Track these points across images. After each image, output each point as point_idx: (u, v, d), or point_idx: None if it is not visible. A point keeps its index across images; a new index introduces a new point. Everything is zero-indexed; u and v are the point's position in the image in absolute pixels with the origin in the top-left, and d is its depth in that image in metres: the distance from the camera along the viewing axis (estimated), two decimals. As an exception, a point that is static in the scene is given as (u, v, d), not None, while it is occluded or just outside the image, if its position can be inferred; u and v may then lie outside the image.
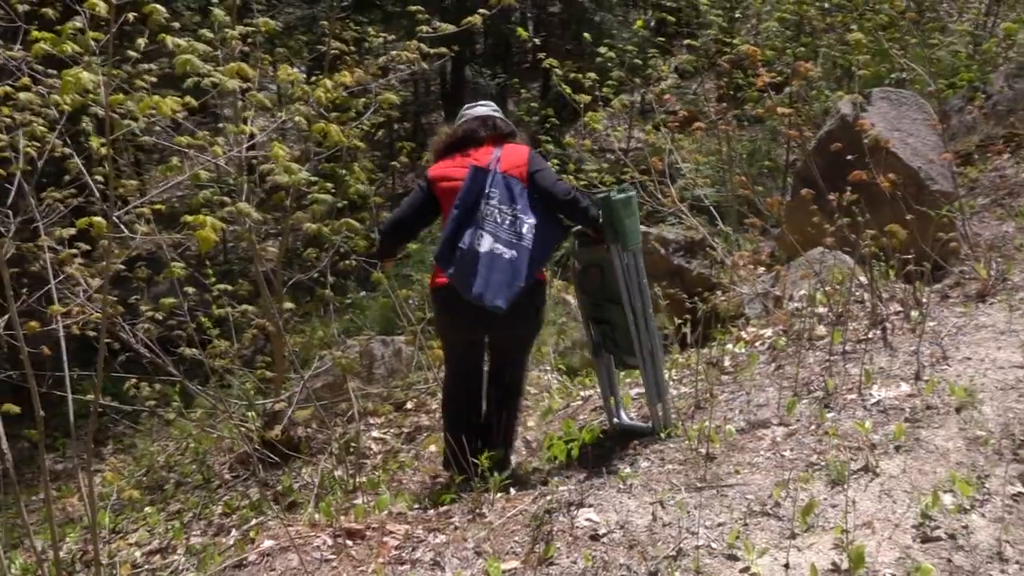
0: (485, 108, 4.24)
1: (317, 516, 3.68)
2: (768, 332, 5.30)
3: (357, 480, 5.07)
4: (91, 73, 3.51)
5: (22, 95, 3.81)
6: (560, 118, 11.93)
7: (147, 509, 6.02)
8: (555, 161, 9.09)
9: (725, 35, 11.36)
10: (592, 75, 8.74)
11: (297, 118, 4.77)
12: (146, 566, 5.13)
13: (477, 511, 3.46)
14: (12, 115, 4.50)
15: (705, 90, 11.53)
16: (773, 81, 7.06)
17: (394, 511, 3.70)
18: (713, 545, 2.97)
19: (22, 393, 4.19)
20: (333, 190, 6.06)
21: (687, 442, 3.77)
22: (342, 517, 3.81)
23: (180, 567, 4.71)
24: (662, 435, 3.93)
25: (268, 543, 3.35)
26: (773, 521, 3.06)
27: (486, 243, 3.77)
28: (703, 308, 5.50)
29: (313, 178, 5.85)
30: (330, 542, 3.30)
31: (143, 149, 9.23)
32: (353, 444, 5.83)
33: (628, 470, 3.62)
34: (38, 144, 4.78)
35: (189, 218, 3.49)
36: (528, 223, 3.85)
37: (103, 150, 4.43)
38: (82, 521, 6.08)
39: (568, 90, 8.23)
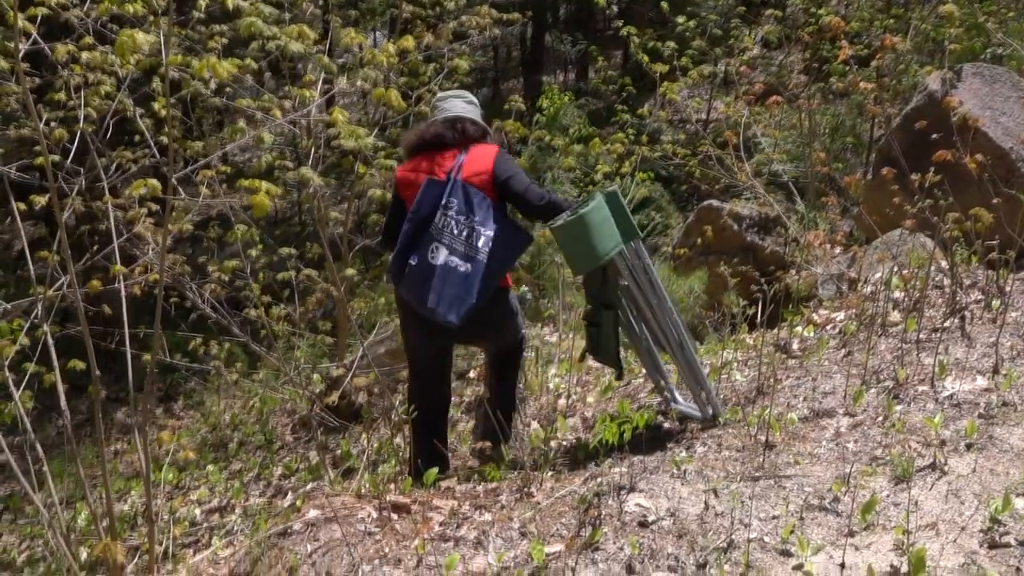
0: (458, 102, 4.05)
1: (365, 487, 3.65)
2: (840, 316, 5.12)
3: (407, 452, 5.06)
4: (155, 34, 3.51)
5: (85, 54, 3.81)
6: (638, 88, 11.71)
7: (209, 467, 6.10)
8: (630, 131, 8.91)
9: (812, 5, 10.99)
10: (672, 44, 8.54)
11: (361, 83, 4.72)
12: (205, 524, 5.19)
13: (525, 490, 3.39)
14: (85, 74, 4.53)
15: (789, 62, 11.17)
16: (859, 54, 6.80)
17: (442, 485, 3.65)
18: (766, 539, 2.85)
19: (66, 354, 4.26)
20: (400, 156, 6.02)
21: (746, 428, 3.64)
22: (391, 486, 3.79)
23: (235, 528, 4.75)
24: (720, 420, 3.80)
25: (313, 513, 3.32)
26: (831, 517, 2.93)
27: (441, 255, 3.71)
28: (774, 287, 5.32)
29: (380, 143, 5.81)
30: (375, 515, 3.27)
31: (219, 111, 9.27)
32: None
33: (683, 455, 3.51)
34: (108, 103, 4.81)
35: (245, 182, 3.47)
36: (485, 235, 3.75)
37: (164, 111, 4.44)
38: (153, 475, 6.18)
39: (646, 59, 8.06)
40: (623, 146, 7.69)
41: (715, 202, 7.18)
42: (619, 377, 4.33)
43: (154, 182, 3.33)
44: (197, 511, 5.40)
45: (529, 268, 7.72)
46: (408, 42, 4.53)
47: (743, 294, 5.88)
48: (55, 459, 5.64)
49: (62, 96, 4.13)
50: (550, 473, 3.56)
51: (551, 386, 5.53)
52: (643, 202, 9.28)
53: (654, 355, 3.99)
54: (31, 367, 4.24)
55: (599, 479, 3.35)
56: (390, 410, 5.77)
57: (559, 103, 10.15)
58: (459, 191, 3.77)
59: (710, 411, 3.85)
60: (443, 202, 3.75)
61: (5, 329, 4.24)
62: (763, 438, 3.48)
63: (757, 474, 3.25)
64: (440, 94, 4.16)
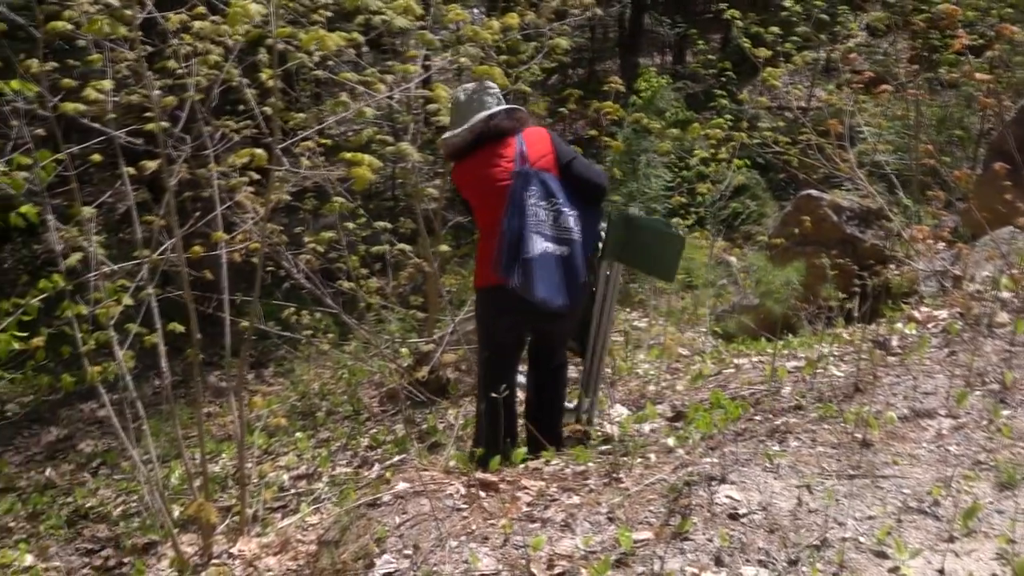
0: (492, 96, 3.97)
1: (452, 463, 3.67)
2: (943, 314, 4.95)
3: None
4: (260, 4, 3.55)
5: (196, 23, 3.88)
6: (738, 72, 11.51)
7: (298, 435, 6.21)
8: (728, 117, 8.76)
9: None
10: (775, 29, 8.35)
11: (463, 59, 4.72)
12: (292, 490, 5.30)
13: (614, 475, 3.36)
14: (194, 44, 4.61)
15: (896, 50, 10.84)
16: (973, 44, 6.55)
17: (531, 465, 3.65)
18: (861, 539, 2.78)
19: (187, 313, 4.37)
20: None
21: (842, 425, 3.55)
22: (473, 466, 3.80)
23: (322, 495, 4.84)
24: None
25: (402, 485, 3.35)
26: (930, 521, 2.84)
27: (538, 246, 3.72)
28: (874, 281, 5.20)
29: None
30: (463, 491, 3.28)
31: (318, 83, 9.39)
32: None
33: (776, 448, 3.44)
34: (215, 72, 4.89)
35: (347, 155, 3.51)
36: (572, 215, 3.80)
37: (271, 82, 4.50)
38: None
39: (748, 43, 7.90)
40: (721, 132, 7.56)
41: (814, 192, 7.02)
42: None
43: (259, 151, 3.38)
44: (285, 477, 5.51)
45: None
46: (512, 19, 4.51)
47: (841, 287, 5.75)
48: (152, 418, 5.79)
49: (171, 64, 4.21)
50: (639, 459, 3.53)
51: (640, 371, 5.48)
52: (738, 189, 9.13)
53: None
54: (134, 327, 4.37)
55: (689, 468, 3.31)
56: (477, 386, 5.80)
57: (656, 86, 10.03)
58: (535, 178, 3.78)
59: (584, 417, 4.37)
60: (526, 192, 3.75)
61: (111, 290, 4.36)
62: (860, 436, 3.39)
63: (853, 472, 3.17)
64: (463, 92, 4.02)
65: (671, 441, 3.72)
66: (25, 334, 4.29)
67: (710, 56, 12.14)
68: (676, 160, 9.04)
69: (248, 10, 2.87)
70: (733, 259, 8.08)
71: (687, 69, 14.79)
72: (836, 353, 4.67)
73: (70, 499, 6.01)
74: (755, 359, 5.15)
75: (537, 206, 3.75)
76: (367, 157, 3.67)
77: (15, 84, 3.96)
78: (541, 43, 6.25)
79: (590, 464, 3.58)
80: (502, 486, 3.33)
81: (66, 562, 4.75)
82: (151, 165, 3.88)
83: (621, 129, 8.96)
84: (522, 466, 3.64)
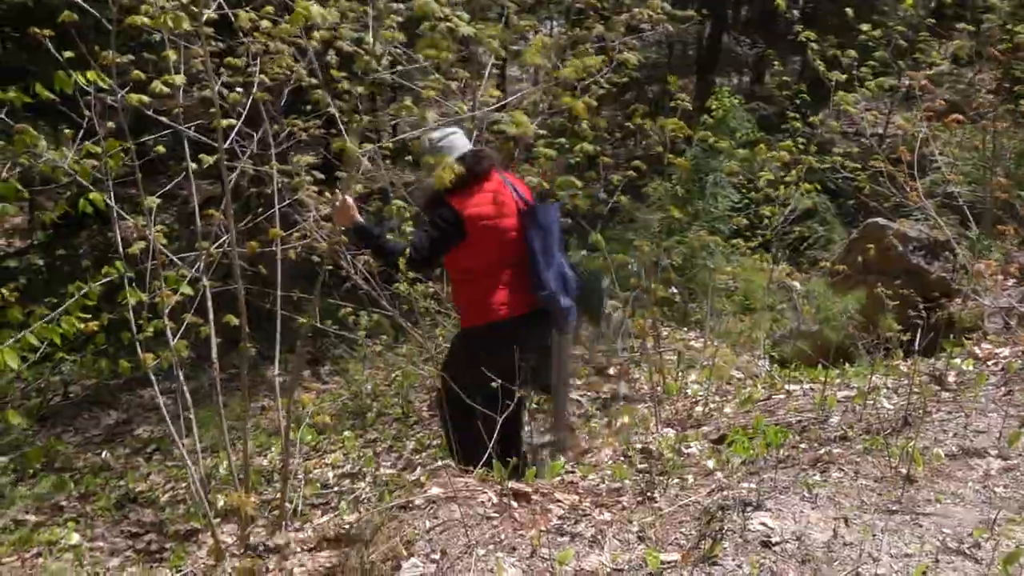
0: (463, 135, 4.27)
1: (489, 472, 3.66)
2: (1005, 352, 4.82)
3: (544, 440, 5.07)
4: (333, 7, 3.61)
5: (264, 22, 3.95)
6: (814, 96, 11.34)
7: (346, 433, 6.27)
8: (800, 140, 8.64)
9: (1011, 21, 10.39)
10: (852, 53, 8.22)
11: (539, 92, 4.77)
12: (335, 487, 5.35)
13: (649, 494, 3.33)
14: (266, 42, 4.69)
15: (978, 80, 10.60)
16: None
17: (566, 479, 3.63)
18: (895, 576, 2.71)
19: (247, 308, 4.44)
20: (561, 145, 6.01)
21: (887, 459, 3.47)
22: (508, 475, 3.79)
23: (363, 495, 4.87)
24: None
25: (435, 490, 3.36)
26: (968, 563, 2.76)
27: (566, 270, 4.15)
28: (937, 314, 5.08)
29: (541, 131, 5.80)
30: (495, 500, 3.27)
31: (393, 88, 9.49)
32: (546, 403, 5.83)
33: (817, 478, 3.37)
34: (286, 71, 4.96)
35: (431, 158, 3.60)
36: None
37: (344, 84, 4.57)
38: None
39: (823, 66, 7.78)
40: (790, 155, 7.45)
41: (881, 220, 6.88)
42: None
43: (351, 146, 3.49)
44: (330, 474, 5.57)
45: (680, 270, 7.60)
46: (594, 61, 4.54)
47: (901, 319, 5.63)
48: (205, 408, 5.89)
49: (237, 62, 4.28)
50: (676, 480, 3.49)
51: (689, 391, 5.43)
52: (807, 214, 9.00)
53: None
54: (188, 317, 4.44)
55: (726, 492, 3.27)
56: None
57: (728, 105, 9.94)
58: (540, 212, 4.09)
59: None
60: (543, 225, 4.05)
61: (171, 279, 4.45)
62: (904, 471, 3.31)
63: (893, 508, 3.09)
64: (440, 133, 4.23)
65: (710, 463, 3.67)
66: (88, 317, 4.39)
67: (786, 78, 11.96)
68: (744, 181, 8.94)
69: (310, 11, 2.91)
70: (796, 284, 7.95)
71: (764, 91, 14.63)
72: (890, 385, 4.57)
73: (122, 482, 6.14)
74: (807, 386, 5.06)
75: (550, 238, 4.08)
76: (448, 159, 3.77)
77: (91, 75, 4.07)
78: (611, 57, 6.23)
79: (626, 481, 3.55)
80: (535, 497, 3.32)
81: (111, 543, 4.85)
82: (208, 160, 3.95)
83: (690, 147, 8.91)
84: (557, 479, 3.63)
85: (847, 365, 5.60)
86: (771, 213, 7.76)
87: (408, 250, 3.86)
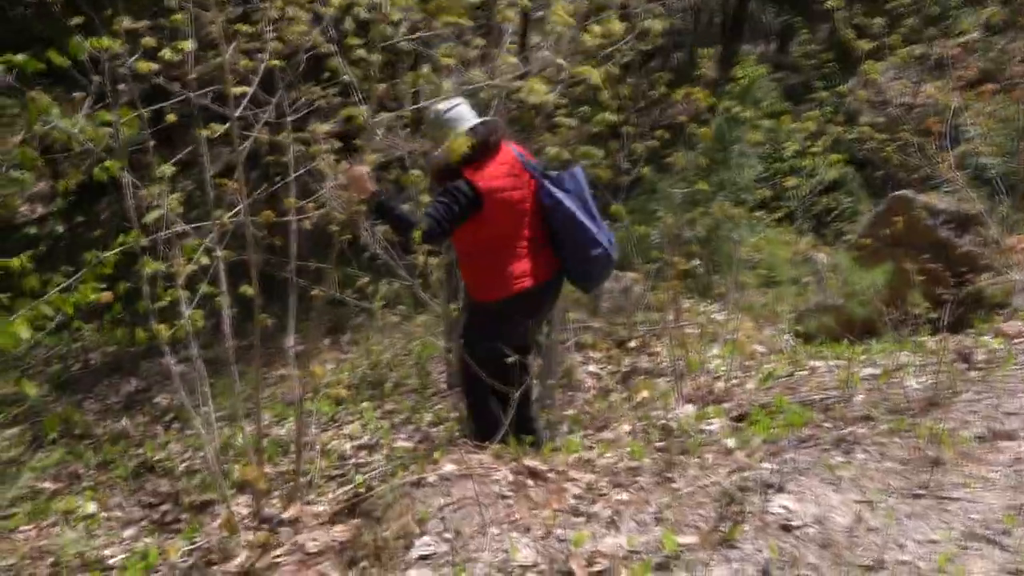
0: (466, 106, 4.18)
1: (505, 448, 3.60)
2: (1035, 329, 4.71)
3: (561, 414, 5.01)
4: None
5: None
6: (842, 66, 11.12)
7: (364, 404, 6.23)
8: (828, 110, 8.48)
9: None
10: (880, 20, 8.02)
11: (559, 59, 4.64)
12: (352, 460, 5.31)
13: (667, 474, 3.26)
14: (282, 8, 4.59)
15: (1011, 48, 10.34)
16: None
17: (583, 456, 3.56)
18: (920, 564, 2.63)
19: (264, 278, 4.40)
20: (583, 114, 5.89)
21: (914, 440, 3.38)
22: (530, 451, 3.72)
23: (379, 467, 4.83)
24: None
25: (448, 467, 3.30)
26: (996, 551, 2.67)
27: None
28: (965, 290, 4.96)
29: (562, 100, 5.68)
30: (510, 478, 3.21)
31: (412, 54, 9.33)
32: (566, 377, 5.77)
33: (839, 459, 3.29)
34: (304, 38, 4.86)
35: (437, 130, 3.52)
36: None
37: (361, 51, 4.47)
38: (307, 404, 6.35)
39: (850, 34, 7.61)
40: (815, 125, 7.30)
41: (909, 192, 6.73)
42: None
43: (359, 112, 3.40)
44: (347, 446, 5.52)
45: (703, 241, 7.48)
46: (615, 25, 4.40)
47: (929, 294, 5.50)
48: (223, 377, 5.85)
49: (248, 29, 4.19)
50: (695, 459, 3.42)
51: (711, 367, 5.33)
52: (833, 185, 8.86)
53: None
54: (203, 287, 4.39)
55: (746, 473, 3.19)
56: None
57: (754, 74, 9.74)
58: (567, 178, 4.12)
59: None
60: (575, 189, 4.07)
61: (188, 249, 4.39)
62: (931, 453, 3.22)
63: (919, 492, 3.01)
64: (446, 105, 4.18)
65: (730, 442, 3.59)
66: (103, 287, 4.35)
67: (814, 47, 11.74)
68: (770, 151, 8.79)
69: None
70: (822, 256, 7.82)
71: (789, 59, 14.36)
72: (916, 363, 4.46)
73: (140, 451, 6.13)
74: (832, 363, 4.96)
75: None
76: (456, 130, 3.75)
77: (105, 41, 3.99)
78: (634, 24, 6.09)
79: (644, 460, 3.48)
80: (550, 475, 3.26)
81: (127, 512, 4.84)
82: (219, 128, 3.88)
83: (714, 116, 8.74)
84: (574, 456, 3.56)
85: (873, 341, 5.48)
86: (794, 183, 7.63)
87: (427, 222, 3.78)
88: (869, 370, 4.49)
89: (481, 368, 3.90)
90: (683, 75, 10.76)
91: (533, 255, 4.00)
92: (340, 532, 3.66)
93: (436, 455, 3.47)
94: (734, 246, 7.25)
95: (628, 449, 3.61)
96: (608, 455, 3.63)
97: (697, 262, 7.06)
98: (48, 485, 5.52)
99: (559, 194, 3.98)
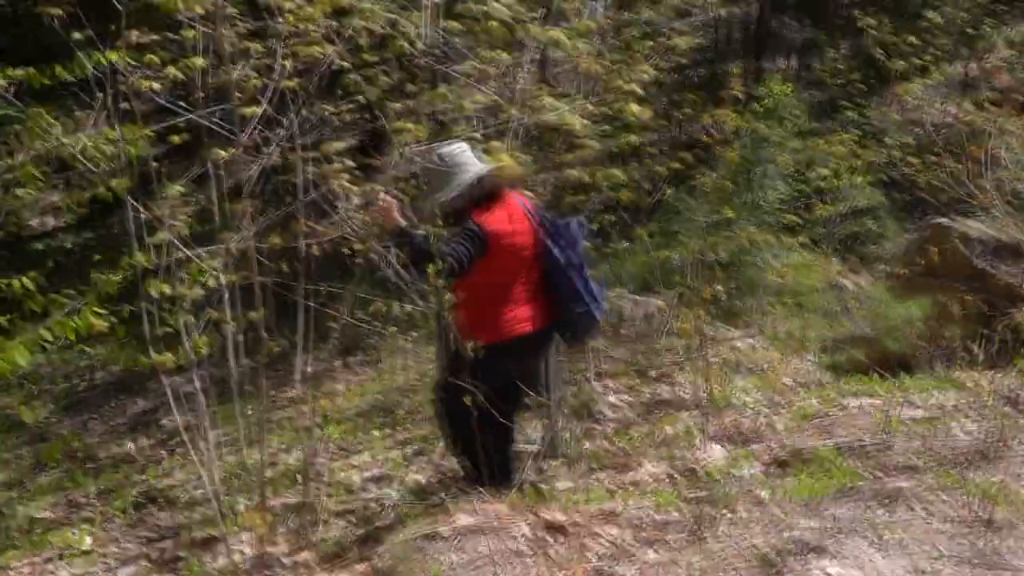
0: (469, 152, 4.05)
1: (522, 497, 3.38)
2: (1085, 370, 4.46)
3: (581, 448, 4.78)
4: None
5: (288, 3, 3.67)
6: (867, 83, 10.89)
7: (375, 432, 6.01)
8: (856, 133, 8.27)
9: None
10: (912, 39, 7.81)
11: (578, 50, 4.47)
12: (363, 492, 5.08)
13: (698, 530, 3.03)
14: (295, 24, 4.41)
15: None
16: None
17: (607, 507, 3.33)
18: (979, 644, 2.40)
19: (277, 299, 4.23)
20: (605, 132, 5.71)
21: (963, 497, 3.14)
22: (545, 499, 3.49)
23: (390, 503, 4.60)
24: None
25: (464, 520, 3.08)
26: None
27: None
28: (1004, 323, 4.73)
29: (586, 121, 5.49)
30: (529, 533, 2.99)
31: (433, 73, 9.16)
32: (586, 406, 5.55)
33: (884, 517, 3.05)
34: (320, 54, 4.69)
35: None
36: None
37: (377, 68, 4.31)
38: (318, 432, 6.12)
39: (882, 55, 7.40)
40: (846, 148, 7.09)
41: (945, 220, 6.48)
42: None
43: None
44: (357, 478, 5.29)
45: (726, 266, 7.24)
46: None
47: (967, 327, 5.27)
48: (229, 401, 5.65)
49: (258, 46, 4.01)
50: (727, 512, 3.19)
51: (737, 402, 5.10)
52: (859, 207, 8.61)
53: None
54: (211, 312, 4.21)
55: (783, 532, 2.96)
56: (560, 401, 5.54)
57: (780, 93, 9.52)
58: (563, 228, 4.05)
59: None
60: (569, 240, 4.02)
61: (195, 272, 4.22)
62: (984, 514, 2.98)
63: (974, 559, 2.77)
64: (449, 149, 4.05)
65: (764, 494, 3.36)
66: (103, 312, 4.19)
67: (838, 65, 11.51)
68: (796, 174, 8.55)
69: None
70: (848, 283, 7.57)
71: (812, 76, 14.11)
72: (959, 405, 4.21)
73: (143, 477, 5.92)
74: (866, 400, 4.71)
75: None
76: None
77: (113, 55, 3.83)
78: (659, 42, 5.91)
79: (672, 512, 3.25)
80: (572, 530, 3.03)
81: (123, 549, 4.63)
82: (223, 154, 3.69)
83: (739, 138, 8.52)
84: (597, 507, 3.33)
85: (906, 375, 5.24)
86: (824, 210, 7.41)
87: (448, 261, 3.70)
88: (908, 411, 4.25)
89: (461, 405, 3.80)
90: (706, 91, 10.56)
91: (530, 302, 3.98)
92: (347, 580, 3.46)
93: (450, 505, 3.25)
94: (759, 272, 7.02)
95: (654, 499, 3.38)
96: (633, 504, 3.40)
97: (720, 288, 6.83)
98: (47, 514, 5.32)
99: (550, 245, 3.96)
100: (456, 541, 2.99)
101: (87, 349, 5.31)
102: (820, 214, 7.65)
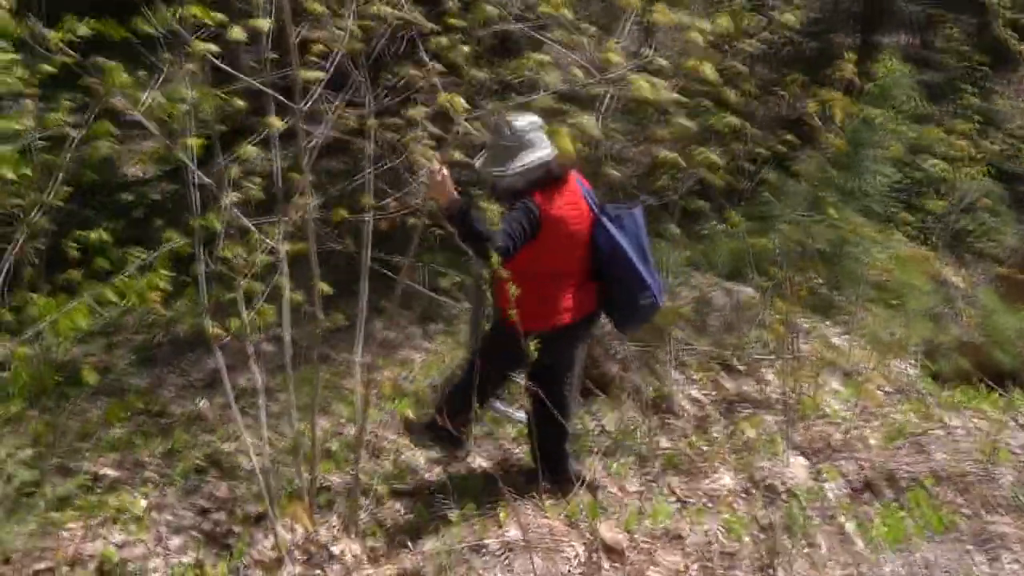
0: (542, 131, 3.78)
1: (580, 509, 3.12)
2: None
3: (655, 445, 4.50)
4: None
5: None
6: (992, 65, 10.21)
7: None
8: (977, 118, 7.70)
9: None
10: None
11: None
12: (422, 474, 4.88)
13: (769, 568, 2.74)
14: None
15: None
16: None
17: (670, 528, 3.06)
18: None
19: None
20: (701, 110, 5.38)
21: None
22: (605, 512, 3.23)
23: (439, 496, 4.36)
24: None
25: (513, 533, 2.85)
26: None
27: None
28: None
29: (681, 98, 5.16)
30: (583, 555, 2.74)
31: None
32: (664, 399, 5.26)
33: (986, 568, 2.72)
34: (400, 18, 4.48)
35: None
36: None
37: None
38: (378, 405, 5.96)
39: (1009, 34, 6.84)
40: (964, 138, 6.58)
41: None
42: None
43: (459, 100, 3.28)
44: (421, 459, 5.11)
45: (827, 258, 6.83)
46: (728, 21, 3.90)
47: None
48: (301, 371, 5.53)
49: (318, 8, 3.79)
50: (805, 546, 2.89)
51: (827, 408, 4.74)
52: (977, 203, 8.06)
53: None
54: (278, 279, 4.09)
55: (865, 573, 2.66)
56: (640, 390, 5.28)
57: (892, 73, 8.95)
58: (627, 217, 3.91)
59: None
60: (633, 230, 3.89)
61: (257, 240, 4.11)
62: (1102, 574, 2.63)
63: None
64: (521, 124, 3.83)
65: (849, 526, 3.05)
66: (171, 274, 4.12)
67: (961, 46, 10.83)
68: (908, 161, 8.03)
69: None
70: (960, 282, 7.07)
71: (932, 54, 13.35)
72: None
73: (212, 438, 5.84)
74: (971, 419, 4.32)
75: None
76: (564, 130, 3.30)
77: (194, 9, 3.69)
78: (767, 16, 5.51)
79: (745, 539, 2.97)
80: (630, 555, 2.78)
81: (177, 516, 4.53)
82: (278, 123, 3.50)
83: (850, 121, 8.02)
84: (661, 526, 3.06)
85: (1017, 389, 4.82)
86: (936, 206, 6.96)
87: (502, 238, 3.53)
88: (1018, 436, 3.86)
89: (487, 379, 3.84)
90: (816, 67, 10.01)
91: (575, 290, 3.84)
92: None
93: (501, 515, 3.02)
94: (859, 264, 6.60)
95: (725, 521, 3.09)
96: (701, 525, 3.12)
97: (818, 279, 6.44)
98: (110, 471, 5.27)
99: (616, 234, 3.80)
100: (503, 557, 2.77)
101: (159, 312, 5.22)
102: (931, 207, 7.17)
